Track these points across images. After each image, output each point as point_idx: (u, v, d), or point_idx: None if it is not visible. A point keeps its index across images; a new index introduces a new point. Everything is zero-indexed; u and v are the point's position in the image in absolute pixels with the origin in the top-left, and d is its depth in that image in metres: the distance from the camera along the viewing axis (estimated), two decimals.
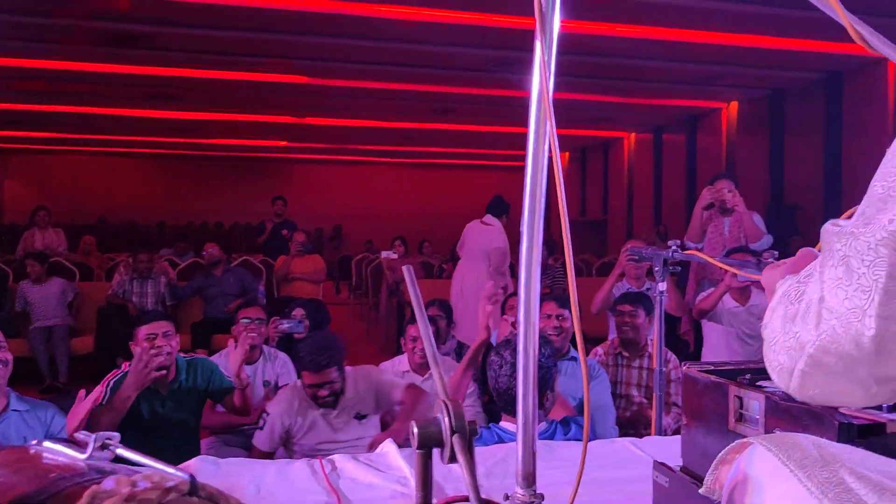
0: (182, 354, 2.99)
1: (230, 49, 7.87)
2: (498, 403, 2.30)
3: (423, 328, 0.98)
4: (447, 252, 9.85)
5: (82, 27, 7.12)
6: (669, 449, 1.62)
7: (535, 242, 1.03)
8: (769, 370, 0.76)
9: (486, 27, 6.86)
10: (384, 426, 3.28)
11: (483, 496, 1.43)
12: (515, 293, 1.41)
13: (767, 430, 1.07)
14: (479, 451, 1.83)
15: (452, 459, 0.82)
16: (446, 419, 0.83)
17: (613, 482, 1.58)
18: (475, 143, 15.17)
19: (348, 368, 2.87)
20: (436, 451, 0.87)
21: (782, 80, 9.22)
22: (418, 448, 0.85)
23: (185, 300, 6.74)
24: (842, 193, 8.36)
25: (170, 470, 0.76)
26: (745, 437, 1.01)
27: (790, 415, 1.04)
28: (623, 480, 1.59)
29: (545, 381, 2.24)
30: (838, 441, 0.92)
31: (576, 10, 6.08)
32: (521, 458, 1.04)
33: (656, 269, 2.57)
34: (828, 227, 0.70)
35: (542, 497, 1.06)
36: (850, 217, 0.70)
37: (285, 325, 3.91)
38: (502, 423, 2.23)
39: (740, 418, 1.16)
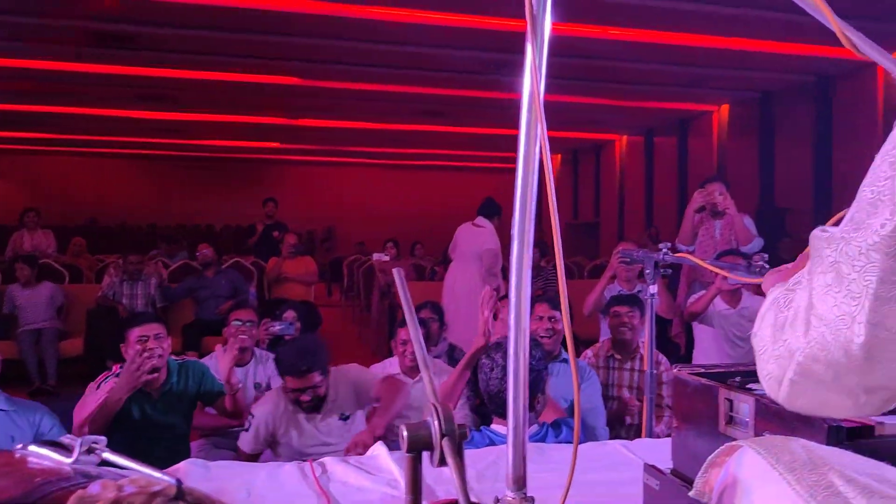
0: (174, 357, 2.98)
1: (222, 50, 7.85)
2: (489, 406, 2.29)
3: (413, 331, 0.98)
4: (439, 254, 9.85)
5: (72, 27, 7.09)
6: (660, 451, 1.62)
7: (525, 245, 1.03)
8: (760, 379, 0.76)
9: (478, 29, 6.87)
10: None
11: (474, 499, 1.43)
12: (507, 295, 1.41)
13: (757, 433, 1.07)
14: (470, 453, 1.82)
15: (442, 463, 0.82)
16: (436, 422, 0.83)
17: (604, 485, 1.58)
18: (467, 145, 15.18)
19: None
20: (426, 455, 0.86)
21: (772, 83, 9.27)
22: (408, 451, 0.85)
23: (177, 302, 6.72)
24: (832, 196, 8.41)
25: (156, 474, 0.75)
26: (735, 439, 1.01)
27: (780, 417, 1.04)
28: (614, 483, 1.59)
29: (536, 384, 2.24)
30: (827, 444, 0.92)
31: (568, 13, 6.15)
32: (511, 462, 1.04)
33: (647, 271, 2.57)
34: (817, 233, 0.70)
35: (532, 500, 1.06)
36: (837, 222, 0.70)
37: (276, 327, 3.89)
38: (493, 426, 2.22)
39: (730, 421, 1.16)
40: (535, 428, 2.22)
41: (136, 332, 2.83)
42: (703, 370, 1.28)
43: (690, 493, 0.98)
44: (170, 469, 1.63)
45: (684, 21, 6.73)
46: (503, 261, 5.65)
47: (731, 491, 0.85)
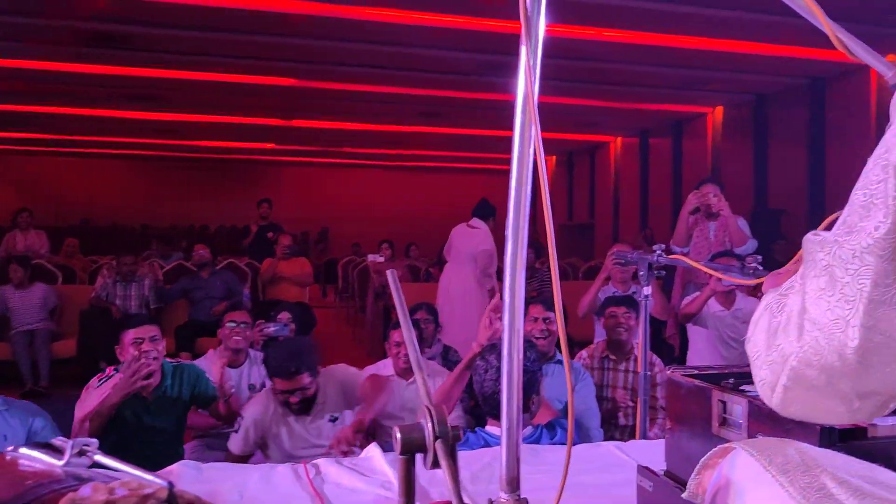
0: (168, 360, 2.97)
1: (216, 50, 7.83)
2: (483, 408, 2.29)
3: (406, 333, 0.97)
4: (434, 255, 9.84)
5: (65, 27, 7.06)
6: (654, 453, 1.63)
7: (519, 246, 1.03)
8: (756, 385, 0.76)
9: (472, 31, 6.87)
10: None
11: (467, 501, 1.42)
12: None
13: (750, 435, 1.07)
14: (465, 455, 1.82)
15: (435, 465, 0.82)
16: (429, 424, 0.83)
17: (598, 486, 1.58)
18: (463, 146, 15.19)
19: None
20: (419, 456, 0.86)
21: (767, 85, 9.31)
22: (401, 453, 0.85)
23: (171, 302, 6.70)
24: (825, 198, 8.44)
25: (148, 477, 0.74)
26: (728, 441, 1.01)
27: (773, 419, 1.04)
28: (607, 484, 1.59)
29: (530, 385, 2.24)
30: (820, 446, 0.92)
31: (563, 15, 6.17)
32: (504, 463, 1.04)
33: (641, 273, 2.58)
34: (809, 237, 0.70)
35: (526, 501, 1.05)
36: (829, 226, 0.70)
37: (271, 329, 3.88)
38: (488, 428, 2.22)
39: (724, 423, 1.16)
40: (529, 429, 2.22)
41: (130, 334, 2.82)
42: (696, 372, 1.28)
43: (684, 495, 0.98)
44: (162, 471, 1.62)
45: (679, 23, 6.75)
46: (498, 262, 5.65)
47: (724, 493, 0.85)
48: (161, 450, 2.70)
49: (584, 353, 3.67)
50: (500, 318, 2.46)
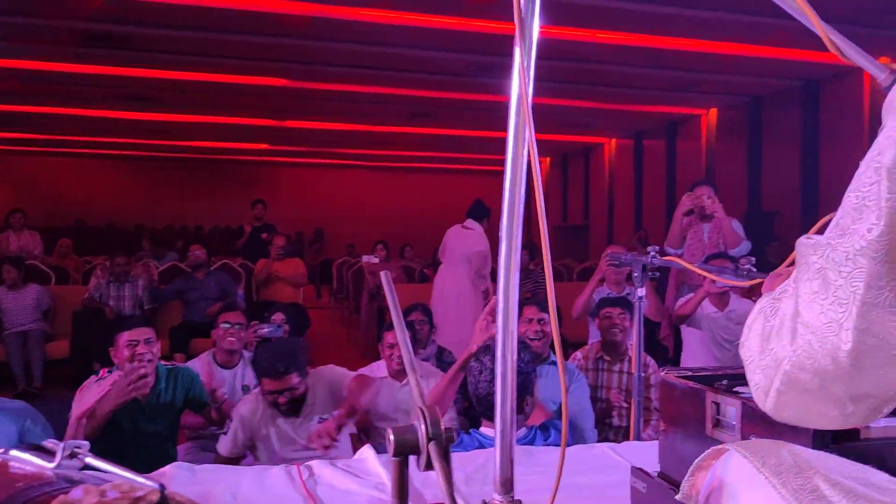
0: (163, 362, 2.97)
1: (210, 51, 7.81)
2: (477, 409, 2.29)
3: (400, 334, 0.97)
4: (429, 256, 9.85)
5: (59, 27, 7.04)
6: (647, 454, 1.63)
7: (513, 248, 1.02)
8: (750, 389, 0.76)
9: (466, 32, 6.87)
10: (359, 425, 3.26)
11: (461, 503, 1.42)
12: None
13: (744, 436, 1.07)
14: (459, 456, 1.82)
15: (429, 467, 0.82)
16: (423, 426, 0.82)
17: (592, 488, 1.58)
18: (457, 147, 15.19)
19: None
20: (413, 458, 0.86)
21: (761, 87, 9.34)
22: (394, 455, 0.84)
23: (165, 303, 6.68)
24: (819, 200, 8.48)
25: (140, 479, 0.74)
26: (721, 443, 1.01)
27: (766, 421, 1.04)
28: (601, 486, 1.59)
29: (525, 387, 2.24)
30: (813, 447, 0.92)
31: (557, 17, 6.18)
32: (498, 465, 1.04)
33: (635, 274, 2.58)
34: (802, 241, 0.70)
35: (519, 503, 1.05)
36: (821, 228, 0.70)
37: (265, 330, 3.87)
38: (482, 429, 2.22)
39: (717, 424, 1.16)
40: (523, 431, 2.22)
41: (125, 337, 2.81)
42: (690, 373, 1.29)
43: (677, 497, 0.98)
44: (155, 473, 1.61)
45: (673, 25, 6.77)
46: (492, 263, 5.66)
47: (718, 494, 0.85)
48: (154, 452, 2.69)
49: (578, 354, 3.67)
50: (496, 321, 2.47)
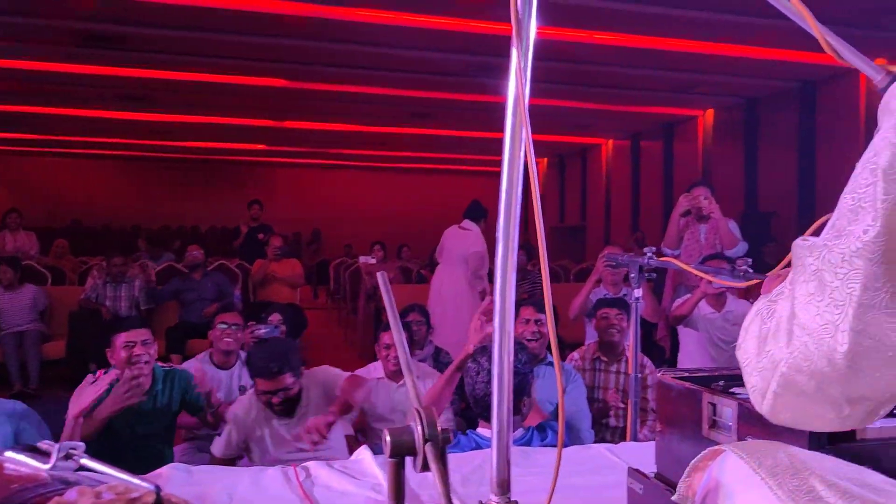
0: (161, 364, 2.96)
1: (208, 51, 7.81)
2: (474, 410, 2.29)
3: (396, 335, 0.97)
4: (426, 257, 9.84)
5: (56, 27, 7.02)
6: (644, 455, 1.63)
7: (510, 249, 1.02)
8: (748, 392, 0.76)
9: (464, 32, 6.87)
10: (356, 426, 3.26)
11: (457, 503, 1.42)
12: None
13: (740, 437, 1.07)
14: (456, 457, 1.82)
15: (425, 468, 0.81)
16: (419, 427, 0.82)
17: (588, 488, 1.58)
18: (454, 147, 15.19)
19: None
20: (409, 459, 0.86)
21: (757, 88, 9.35)
22: (391, 457, 0.84)
23: (162, 304, 6.67)
24: (815, 201, 8.49)
25: (135, 480, 0.74)
26: (718, 443, 1.01)
27: (763, 422, 1.04)
28: (598, 486, 1.59)
29: (522, 388, 2.24)
30: (809, 448, 0.93)
31: (554, 18, 6.18)
32: (495, 466, 1.04)
33: (632, 275, 2.58)
34: (798, 243, 0.70)
35: None
36: (816, 230, 0.70)
37: (262, 331, 3.86)
38: (479, 430, 2.22)
39: (713, 425, 1.16)
40: (520, 431, 2.22)
41: (122, 338, 2.81)
42: (686, 374, 1.29)
43: (674, 498, 0.98)
44: (151, 474, 1.61)
45: (670, 27, 6.77)
46: (489, 264, 5.66)
47: (714, 495, 0.85)
48: (150, 454, 2.69)
49: (575, 354, 3.68)
50: (491, 321, 2.47)
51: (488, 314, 2.45)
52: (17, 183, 16.69)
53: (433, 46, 7.47)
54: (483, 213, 5.86)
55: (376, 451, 1.81)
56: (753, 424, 1.06)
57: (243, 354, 3.67)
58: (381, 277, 1.00)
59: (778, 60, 7.65)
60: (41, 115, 11.60)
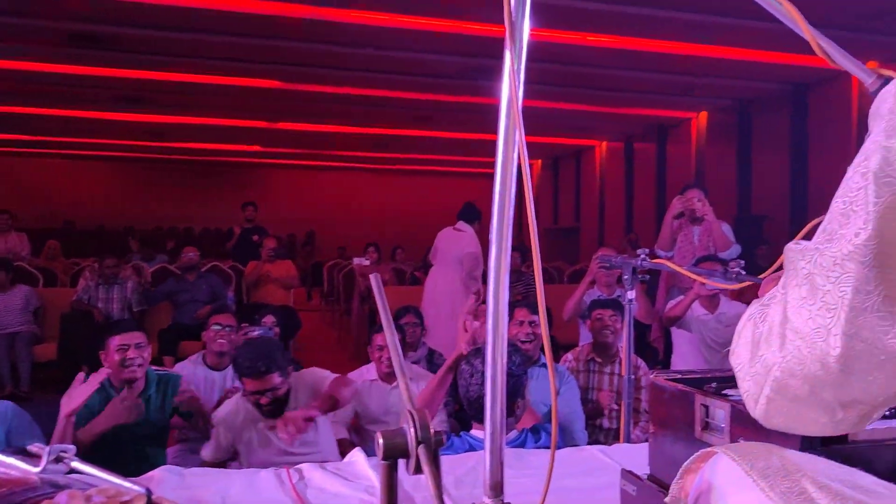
0: (155, 368, 2.95)
1: (202, 52, 7.79)
2: (468, 412, 2.29)
3: (389, 337, 0.97)
4: (420, 259, 9.84)
5: (50, 28, 6.99)
6: (637, 457, 1.63)
7: (503, 251, 1.02)
8: (742, 396, 0.76)
9: (458, 34, 6.88)
10: (351, 430, 3.25)
11: None
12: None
13: (733, 439, 1.08)
14: (450, 459, 1.82)
15: (418, 470, 0.81)
16: (412, 430, 0.82)
17: (582, 490, 1.58)
18: (449, 149, 15.20)
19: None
20: (402, 462, 0.86)
21: (750, 91, 9.39)
22: (383, 459, 0.84)
23: (155, 305, 6.64)
24: (808, 203, 8.53)
25: (126, 484, 0.73)
26: (710, 445, 1.01)
27: (755, 424, 1.04)
28: (591, 488, 1.59)
29: (516, 389, 2.24)
30: (801, 450, 0.93)
31: (548, 20, 6.19)
32: (488, 468, 1.03)
33: (625, 277, 2.59)
34: (790, 247, 0.70)
35: None
36: (808, 234, 0.70)
37: (255, 333, 3.85)
38: (473, 431, 2.22)
39: (706, 427, 1.16)
40: (514, 433, 2.22)
41: (116, 341, 2.80)
42: (679, 376, 1.29)
43: (666, 499, 0.98)
44: (144, 476, 1.60)
45: (663, 29, 6.80)
46: (483, 265, 5.66)
47: (706, 497, 0.85)
48: (142, 457, 2.68)
49: (569, 355, 3.68)
50: (476, 319, 2.47)
51: (473, 312, 2.45)
52: (9, 184, 16.59)
53: (427, 48, 7.47)
54: (477, 215, 5.86)
55: (370, 453, 1.81)
56: (746, 426, 1.06)
57: None
58: (374, 279, 1.00)
59: (771, 63, 7.68)
60: (33, 116, 11.55)
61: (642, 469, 1.33)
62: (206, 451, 2.69)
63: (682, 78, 8.62)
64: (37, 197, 16.40)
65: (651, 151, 12.18)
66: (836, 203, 0.65)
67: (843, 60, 0.78)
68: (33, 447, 0.90)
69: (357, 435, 3.27)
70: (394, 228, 15.87)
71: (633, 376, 2.63)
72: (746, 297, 3.95)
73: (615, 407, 3.40)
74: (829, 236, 0.65)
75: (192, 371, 3.64)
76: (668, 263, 2.75)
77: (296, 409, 2.66)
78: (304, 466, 1.73)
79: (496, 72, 0.99)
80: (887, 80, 0.71)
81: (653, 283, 5.00)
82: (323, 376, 2.85)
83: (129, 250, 11.07)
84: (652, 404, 1.35)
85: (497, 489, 1.04)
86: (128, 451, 2.65)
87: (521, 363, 2.35)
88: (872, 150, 0.63)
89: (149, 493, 0.67)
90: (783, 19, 0.80)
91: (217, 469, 2.06)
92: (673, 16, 6.32)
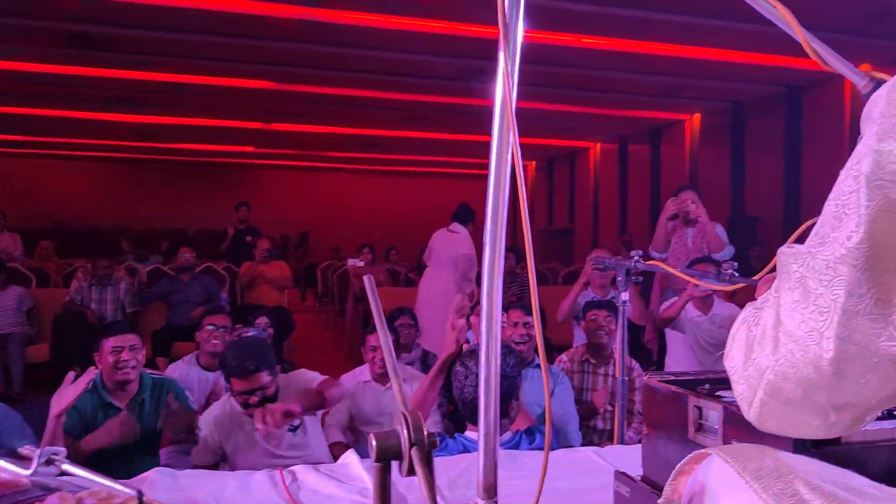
0: (150, 371, 2.94)
1: (195, 53, 7.77)
2: (463, 413, 2.29)
3: (383, 338, 0.97)
4: (414, 260, 9.84)
5: (43, 28, 6.96)
6: (631, 458, 1.63)
7: (497, 253, 1.02)
8: (736, 400, 0.76)
9: (452, 36, 6.88)
10: (346, 432, 3.24)
11: None
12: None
13: (726, 441, 1.08)
14: (444, 461, 1.82)
15: (411, 472, 0.81)
16: (405, 431, 0.82)
17: (575, 492, 1.58)
18: (443, 150, 15.20)
19: None
20: (395, 463, 0.85)
21: (744, 93, 9.42)
22: (376, 461, 0.84)
23: (149, 305, 6.62)
24: (801, 205, 8.56)
25: (117, 486, 0.73)
26: (703, 447, 1.01)
27: (748, 425, 1.05)
28: (585, 490, 1.59)
29: (510, 391, 2.24)
30: (794, 452, 0.93)
31: (542, 21, 6.20)
32: (482, 469, 1.04)
33: (619, 278, 2.59)
34: (783, 250, 0.70)
35: None
36: (800, 236, 0.70)
37: (249, 333, 3.85)
38: (467, 433, 2.22)
39: (699, 428, 1.16)
40: (508, 435, 2.22)
41: (110, 343, 2.79)
42: (672, 377, 1.29)
43: (659, 501, 0.98)
44: (137, 478, 1.60)
45: (657, 31, 6.81)
46: (478, 266, 5.66)
47: (700, 498, 0.85)
48: (135, 459, 2.67)
49: (563, 356, 3.68)
50: (462, 317, 2.46)
51: (460, 311, 2.44)
52: (1, 184, 16.53)
53: (421, 49, 7.47)
54: (471, 216, 5.87)
55: (363, 454, 1.80)
56: (739, 428, 1.06)
57: None
58: (367, 281, 1.00)
59: (764, 66, 7.71)
60: (25, 116, 11.49)
61: (636, 470, 1.33)
62: (196, 455, 2.68)
63: (676, 80, 8.65)
64: (29, 197, 16.32)
65: (645, 153, 12.21)
66: (829, 206, 0.66)
67: (835, 63, 0.78)
68: (24, 449, 0.90)
69: (351, 434, 3.26)
70: (388, 229, 15.86)
71: (626, 377, 2.64)
72: (740, 298, 3.97)
73: (609, 408, 3.40)
74: (821, 240, 0.65)
75: (185, 372, 3.64)
76: (662, 265, 2.76)
77: None
78: (297, 468, 1.72)
79: (490, 73, 0.99)
80: (879, 83, 0.72)
81: (647, 284, 5.01)
82: (311, 378, 2.83)
83: (121, 251, 11.03)
84: (645, 406, 1.35)
85: (491, 491, 1.04)
86: (120, 454, 2.63)
87: (515, 364, 2.35)
88: (864, 154, 0.63)
89: (140, 494, 0.66)
90: (777, 22, 0.80)
91: (210, 471, 2.05)
92: (666, 18, 6.33)
